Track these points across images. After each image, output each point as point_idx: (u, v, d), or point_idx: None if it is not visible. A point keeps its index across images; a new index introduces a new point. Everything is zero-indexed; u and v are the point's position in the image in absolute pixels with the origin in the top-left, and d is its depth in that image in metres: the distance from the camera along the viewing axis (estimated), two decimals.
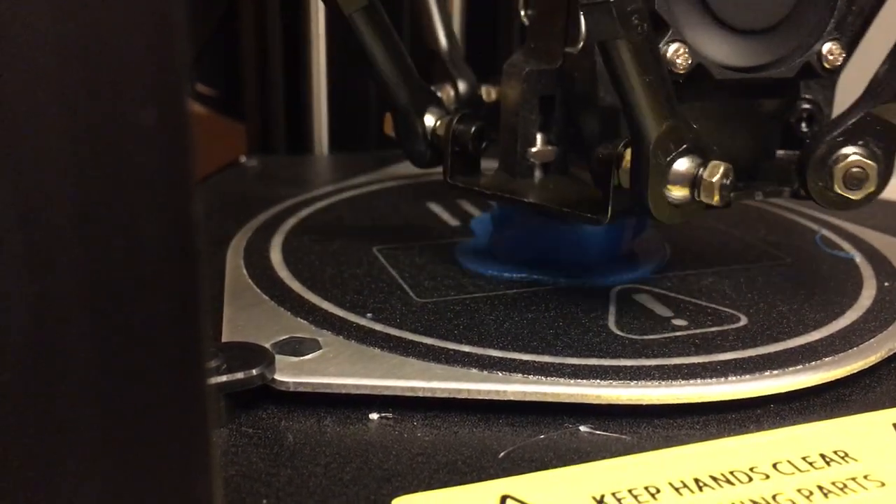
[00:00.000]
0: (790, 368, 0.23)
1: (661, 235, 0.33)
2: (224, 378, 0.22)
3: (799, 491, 0.19)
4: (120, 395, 0.12)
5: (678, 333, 0.25)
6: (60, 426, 0.12)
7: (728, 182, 0.24)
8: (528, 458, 0.20)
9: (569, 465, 0.20)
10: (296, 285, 0.28)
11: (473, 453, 0.21)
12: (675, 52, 0.25)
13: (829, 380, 0.23)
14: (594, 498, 0.19)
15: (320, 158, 0.50)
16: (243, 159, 0.48)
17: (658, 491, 0.19)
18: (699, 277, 0.30)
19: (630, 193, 0.25)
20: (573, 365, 0.23)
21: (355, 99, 0.50)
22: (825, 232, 0.35)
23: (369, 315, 0.26)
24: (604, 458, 0.20)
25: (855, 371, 0.24)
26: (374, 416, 0.22)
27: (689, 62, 0.25)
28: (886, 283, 0.29)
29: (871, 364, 0.24)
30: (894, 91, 0.25)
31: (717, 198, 0.24)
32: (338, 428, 0.22)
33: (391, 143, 0.47)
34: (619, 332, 0.25)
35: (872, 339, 0.25)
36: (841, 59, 0.26)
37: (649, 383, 0.22)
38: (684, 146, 0.24)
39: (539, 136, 0.29)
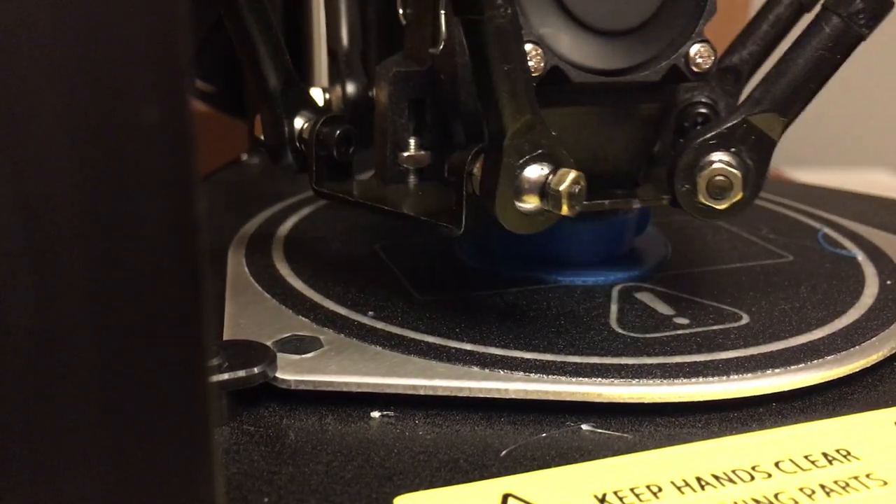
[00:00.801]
0: (792, 367, 0.23)
1: (663, 234, 0.33)
2: (226, 376, 0.22)
3: (801, 490, 0.19)
4: (121, 394, 0.12)
5: (680, 332, 0.25)
6: (61, 425, 0.12)
7: (577, 191, 0.22)
8: (530, 457, 0.20)
9: (571, 463, 0.20)
10: (297, 283, 0.28)
11: (475, 452, 0.21)
12: (529, 53, 0.23)
13: (831, 378, 0.23)
14: (596, 496, 0.19)
15: None
16: (245, 157, 0.48)
17: (660, 490, 0.19)
18: (701, 275, 0.30)
19: (481, 200, 0.23)
20: (575, 363, 0.23)
21: None
22: (827, 230, 0.35)
23: (371, 313, 0.26)
24: (606, 456, 0.20)
25: (857, 370, 0.24)
26: (375, 414, 0.22)
27: (543, 64, 0.23)
28: (889, 282, 0.29)
29: (873, 363, 0.24)
30: (775, 101, 0.24)
31: (565, 207, 0.22)
32: (339, 426, 0.22)
33: None
34: (620, 331, 0.25)
35: (874, 338, 0.25)
36: (710, 62, 0.25)
37: (651, 382, 0.22)
38: (539, 151, 0.22)
39: (412, 141, 0.27)
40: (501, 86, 0.22)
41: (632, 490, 0.19)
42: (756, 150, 0.24)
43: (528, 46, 0.23)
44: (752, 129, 0.24)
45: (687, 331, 0.25)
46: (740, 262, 0.31)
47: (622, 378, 0.23)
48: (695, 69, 0.25)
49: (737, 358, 0.24)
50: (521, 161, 0.22)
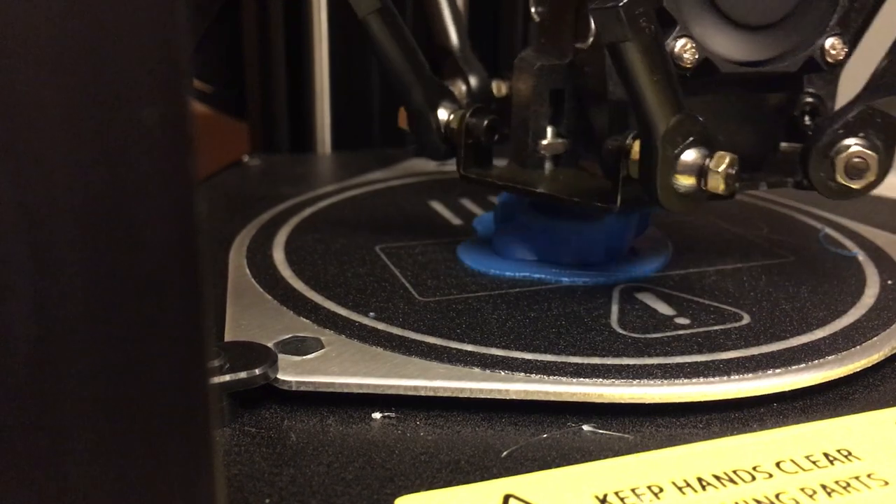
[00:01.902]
0: (793, 367, 0.23)
1: (664, 234, 0.33)
2: (227, 377, 0.22)
3: (802, 490, 0.19)
4: (122, 395, 0.12)
5: (681, 332, 0.25)
6: (63, 426, 0.12)
7: (734, 172, 0.24)
8: (531, 458, 0.20)
9: (572, 464, 0.20)
10: (298, 284, 0.28)
11: (476, 452, 0.21)
12: (683, 47, 0.25)
13: (832, 378, 0.23)
14: (597, 497, 0.19)
15: (323, 157, 0.50)
16: (246, 158, 0.48)
17: (661, 490, 0.19)
18: (702, 276, 0.30)
19: (639, 183, 0.25)
20: (576, 364, 0.23)
21: (358, 98, 0.51)
22: (828, 230, 0.35)
23: (372, 314, 0.26)
24: (607, 457, 0.20)
25: (858, 369, 0.24)
26: (376, 415, 0.22)
27: (696, 57, 0.26)
28: (889, 282, 0.29)
29: (874, 362, 0.24)
30: (890, 85, 0.26)
31: (723, 186, 0.24)
32: (340, 427, 0.22)
33: (393, 142, 0.48)
34: (621, 331, 0.25)
35: (875, 338, 0.25)
36: (843, 53, 0.27)
37: (652, 382, 0.22)
38: (691, 139, 0.25)
39: (549, 129, 0.30)
40: (651, 94, 0.24)
41: (633, 491, 0.19)
42: (882, 131, 0.26)
43: (682, 41, 0.25)
44: (877, 113, 0.26)
45: (688, 331, 0.25)
46: (741, 262, 0.31)
47: (623, 378, 0.23)
48: (829, 60, 0.27)
49: (738, 358, 0.24)
50: (676, 151, 0.25)
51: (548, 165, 0.30)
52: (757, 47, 0.27)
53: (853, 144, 0.26)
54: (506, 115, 0.31)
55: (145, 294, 0.12)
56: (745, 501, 0.19)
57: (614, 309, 0.27)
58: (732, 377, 0.23)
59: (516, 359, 0.23)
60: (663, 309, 0.27)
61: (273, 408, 0.22)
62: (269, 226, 0.35)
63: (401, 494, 0.19)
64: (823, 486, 0.19)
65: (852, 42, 0.29)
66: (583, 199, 0.27)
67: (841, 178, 0.26)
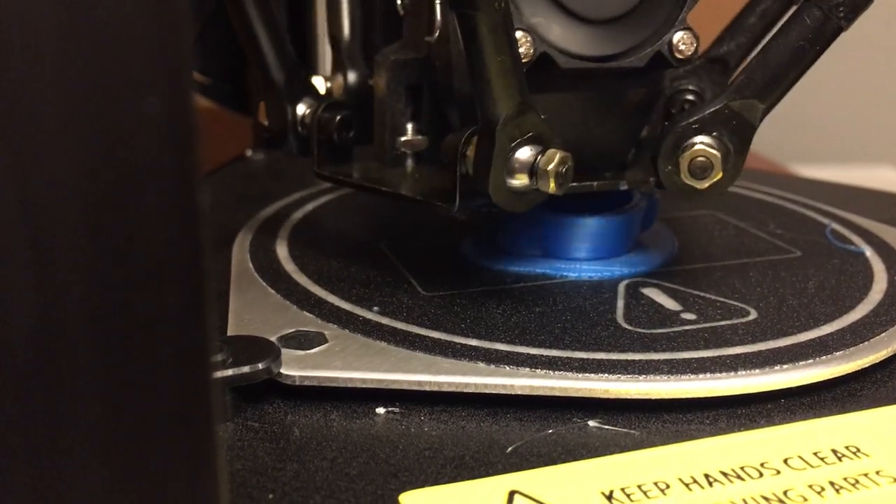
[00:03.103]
0: (800, 363, 0.23)
1: (670, 229, 0.33)
2: (230, 372, 0.21)
3: (810, 487, 0.19)
4: (125, 389, 0.12)
5: (687, 327, 0.25)
6: (64, 420, 0.12)
7: (564, 170, 0.24)
8: (537, 453, 0.20)
9: (577, 460, 0.20)
10: (302, 279, 0.28)
11: (481, 448, 0.21)
12: (519, 41, 0.24)
13: (839, 374, 0.23)
14: (603, 493, 0.19)
15: None
16: (249, 153, 0.48)
17: (667, 486, 0.19)
18: (708, 271, 0.30)
19: (474, 180, 0.24)
20: (581, 359, 0.23)
21: None
22: (835, 226, 0.35)
23: (376, 309, 0.26)
24: (612, 453, 0.20)
25: (866, 365, 0.24)
26: (380, 410, 0.22)
27: (533, 50, 0.24)
28: None
29: (882, 358, 0.24)
30: (755, 88, 0.25)
31: (552, 185, 0.23)
32: (344, 422, 0.22)
33: None
34: (627, 326, 0.25)
35: (884, 333, 0.25)
36: (692, 48, 0.26)
37: (658, 378, 0.22)
38: (529, 135, 0.24)
39: (410, 126, 0.29)
40: (494, 76, 0.23)
41: (639, 487, 0.19)
42: (736, 133, 0.25)
43: (518, 34, 0.24)
44: (733, 114, 0.25)
45: (694, 326, 0.25)
46: (748, 257, 0.31)
47: (629, 374, 0.22)
48: (678, 55, 0.26)
49: (744, 354, 0.24)
50: (512, 145, 0.24)
51: (409, 163, 0.29)
52: (600, 42, 0.25)
53: (699, 143, 0.25)
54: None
55: (148, 288, 0.12)
56: (752, 498, 0.19)
57: (620, 304, 0.27)
58: (739, 373, 0.23)
59: (521, 354, 0.23)
60: (669, 304, 0.27)
61: (276, 402, 0.22)
62: (272, 220, 0.35)
63: (405, 490, 0.19)
64: (832, 483, 0.19)
65: (751, 43, 0.29)
66: (426, 198, 0.26)
67: (685, 177, 0.25)
